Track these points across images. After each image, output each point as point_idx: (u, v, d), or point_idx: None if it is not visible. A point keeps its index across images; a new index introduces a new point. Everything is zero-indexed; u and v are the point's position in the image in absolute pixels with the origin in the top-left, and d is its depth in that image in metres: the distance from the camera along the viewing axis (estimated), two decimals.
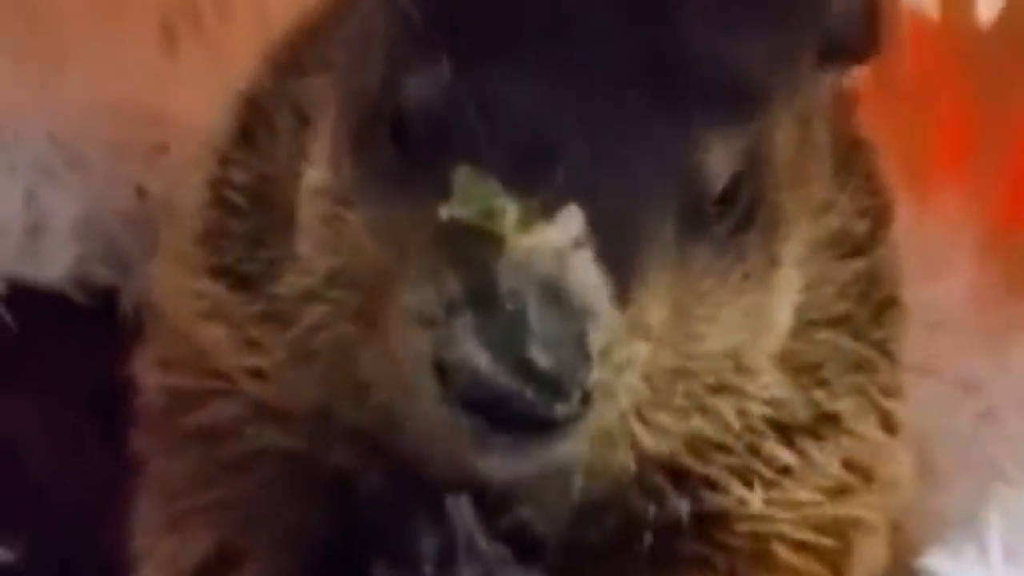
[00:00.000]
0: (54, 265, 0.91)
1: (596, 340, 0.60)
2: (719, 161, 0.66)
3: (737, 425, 0.71)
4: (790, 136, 0.70)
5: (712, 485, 0.72)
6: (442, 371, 0.61)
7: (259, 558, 0.74)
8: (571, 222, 0.61)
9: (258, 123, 0.75)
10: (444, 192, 0.62)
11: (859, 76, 0.78)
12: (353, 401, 0.71)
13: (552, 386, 0.60)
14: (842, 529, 0.76)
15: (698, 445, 0.71)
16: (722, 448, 0.72)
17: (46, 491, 0.90)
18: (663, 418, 0.68)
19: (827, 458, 0.74)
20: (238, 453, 0.74)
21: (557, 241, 0.61)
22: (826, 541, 0.75)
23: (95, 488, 0.87)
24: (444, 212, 0.62)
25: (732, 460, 0.72)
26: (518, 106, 0.63)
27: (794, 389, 0.73)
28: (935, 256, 1.01)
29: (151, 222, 0.88)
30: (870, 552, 0.78)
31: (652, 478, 0.71)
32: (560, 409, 0.60)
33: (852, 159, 0.77)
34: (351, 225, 0.68)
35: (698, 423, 0.70)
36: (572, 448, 0.64)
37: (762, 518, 0.74)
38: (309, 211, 0.70)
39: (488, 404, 0.60)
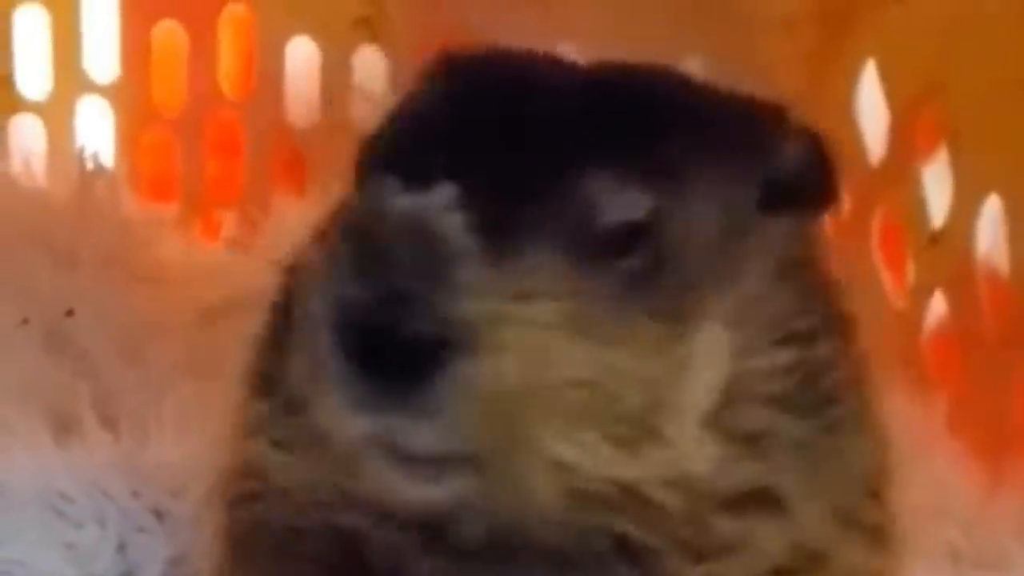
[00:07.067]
0: None
1: (455, 271, 0.62)
2: (608, 198, 0.67)
3: (671, 476, 0.69)
4: (713, 224, 0.71)
5: (653, 554, 0.70)
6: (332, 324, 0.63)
7: None
8: (442, 192, 0.64)
9: None
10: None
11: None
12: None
13: (407, 300, 0.62)
14: None
15: (639, 509, 0.69)
16: (663, 514, 0.69)
17: None
18: (585, 438, 0.66)
19: (771, 537, 0.72)
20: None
21: (426, 202, 0.64)
22: None
23: None
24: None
25: (674, 529, 0.70)
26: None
27: (731, 456, 0.70)
28: (1002, 545, 1.03)
29: None
30: None
31: (594, 542, 0.69)
32: (418, 325, 0.62)
33: (813, 283, 0.76)
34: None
35: (628, 464, 0.68)
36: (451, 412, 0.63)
37: None
38: None
39: (356, 329, 0.62)
